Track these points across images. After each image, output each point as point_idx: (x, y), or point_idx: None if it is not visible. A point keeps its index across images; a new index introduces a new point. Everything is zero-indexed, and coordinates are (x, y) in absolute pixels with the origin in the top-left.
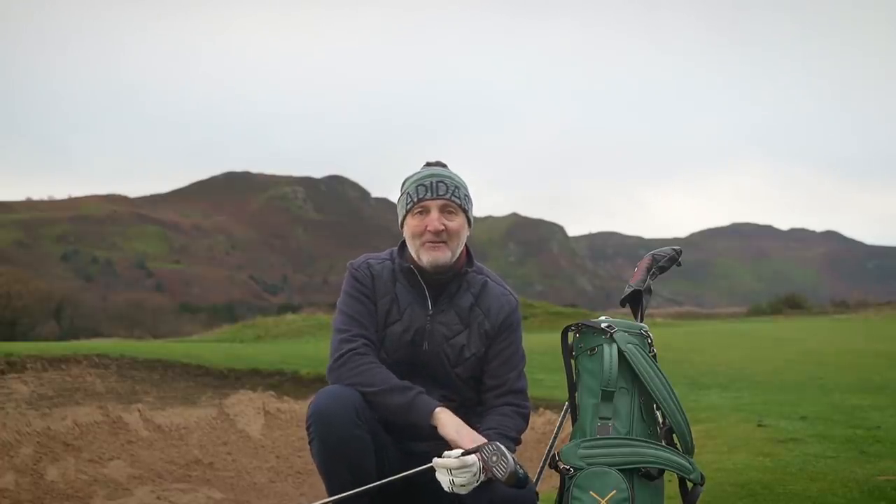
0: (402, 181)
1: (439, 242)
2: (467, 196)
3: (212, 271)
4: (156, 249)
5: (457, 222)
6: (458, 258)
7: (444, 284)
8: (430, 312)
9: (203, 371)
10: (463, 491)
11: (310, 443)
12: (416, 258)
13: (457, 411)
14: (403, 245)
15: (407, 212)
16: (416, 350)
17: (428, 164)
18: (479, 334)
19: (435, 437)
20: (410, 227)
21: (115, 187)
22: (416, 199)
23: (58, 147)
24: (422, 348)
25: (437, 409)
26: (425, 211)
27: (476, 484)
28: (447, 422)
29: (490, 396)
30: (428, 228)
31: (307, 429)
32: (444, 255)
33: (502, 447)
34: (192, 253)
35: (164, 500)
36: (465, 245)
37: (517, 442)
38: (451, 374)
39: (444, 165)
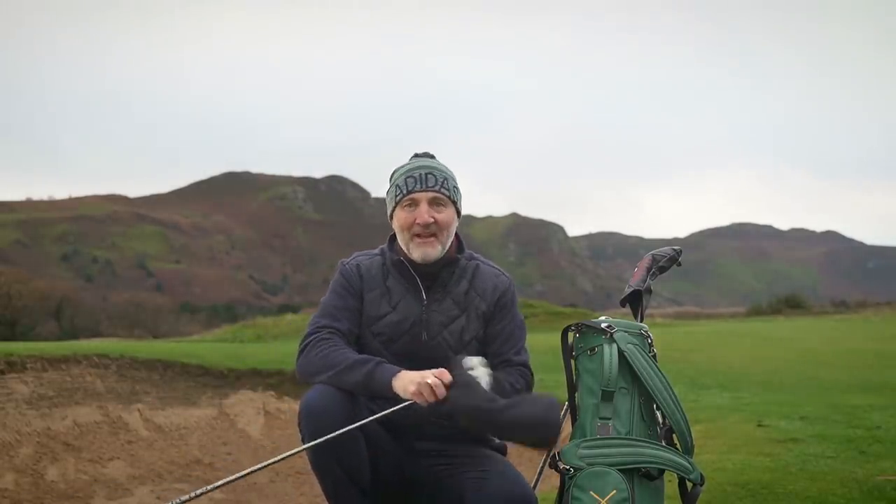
0: (391, 172)
1: (429, 236)
2: (456, 188)
3: (212, 271)
4: (156, 249)
5: (446, 214)
6: (449, 248)
7: (436, 274)
8: (425, 302)
9: (203, 371)
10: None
11: (302, 440)
12: (406, 251)
13: None
14: (393, 238)
15: (396, 204)
16: (414, 341)
17: (416, 156)
18: (476, 316)
19: (438, 437)
20: (399, 219)
21: (115, 187)
22: (405, 192)
23: (58, 147)
24: (420, 339)
25: (395, 378)
26: (414, 203)
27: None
28: (405, 383)
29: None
30: (417, 221)
31: (298, 426)
32: (435, 250)
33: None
34: (192, 253)
35: (164, 500)
36: (456, 233)
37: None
38: None
39: (433, 157)
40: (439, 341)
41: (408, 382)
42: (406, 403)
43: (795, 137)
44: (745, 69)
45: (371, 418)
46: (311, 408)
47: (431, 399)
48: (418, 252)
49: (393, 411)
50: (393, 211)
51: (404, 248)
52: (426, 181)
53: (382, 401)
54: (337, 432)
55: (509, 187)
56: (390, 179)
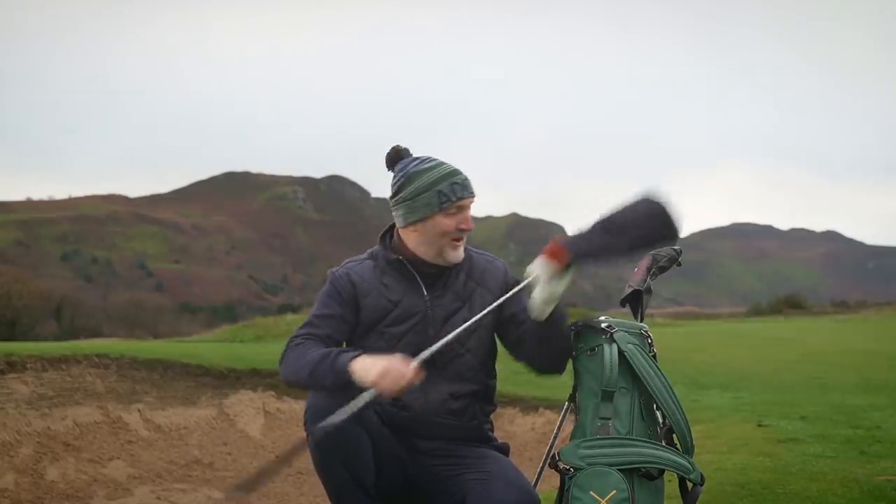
0: (409, 175)
1: (461, 239)
2: None
3: (212, 271)
4: (156, 249)
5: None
6: None
7: (436, 271)
8: (427, 298)
9: (203, 371)
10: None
11: (308, 442)
12: (434, 254)
13: (470, 406)
14: (383, 238)
15: (439, 210)
16: (420, 338)
17: (421, 157)
18: (480, 305)
19: (441, 436)
20: (441, 225)
21: (115, 187)
22: (453, 199)
23: (58, 147)
24: (428, 335)
25: (354, 361)
26: (460, 210)
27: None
28: (365, 366)
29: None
30: (463, 227)
31: (304, 425)
32: (462, 250)
33: None
34: (192, 253)
35: (164, 500)
36: None
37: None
38: (465, 353)
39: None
40: (445, 335)
41: (369, 366)
42: (369, 397)
43: (795, 137)
44: (744, 68)
45: (341, 413)
46: (315, 406)
47: (394, 389)
48: (455, 254)
49: (362, 405)
50: (428, 216)
51: (433, 252)
52: (470, 188)
53: (388, 404)
54: (334, 419)
55: (509, 187)
56: (416, 183)
